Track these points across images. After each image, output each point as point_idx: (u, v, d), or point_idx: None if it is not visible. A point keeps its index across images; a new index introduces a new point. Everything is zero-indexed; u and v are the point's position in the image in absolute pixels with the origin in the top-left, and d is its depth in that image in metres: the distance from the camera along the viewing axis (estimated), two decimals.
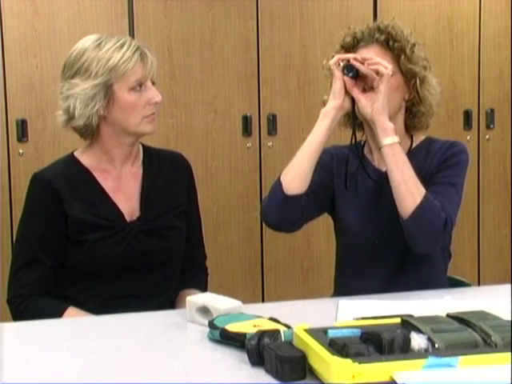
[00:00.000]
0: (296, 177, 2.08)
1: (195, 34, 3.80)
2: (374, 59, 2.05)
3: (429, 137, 2.26)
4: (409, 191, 2.00)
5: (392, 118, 2.11)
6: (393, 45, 2.12)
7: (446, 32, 4.10)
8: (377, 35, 2.14)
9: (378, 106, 2.03)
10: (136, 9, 3.71)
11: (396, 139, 2.04)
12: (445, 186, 2.11)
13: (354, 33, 2.17)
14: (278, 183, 2.09)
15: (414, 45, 2.14)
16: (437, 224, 2.01)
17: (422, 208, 1.99)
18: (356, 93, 2.07)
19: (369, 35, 2.15)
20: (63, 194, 2.08)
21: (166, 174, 2.21)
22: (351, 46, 2.17)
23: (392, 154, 2.03)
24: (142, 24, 3.73)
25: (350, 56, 2.08)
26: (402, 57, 2.12)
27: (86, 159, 2.16)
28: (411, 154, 2.16)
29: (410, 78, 2.14)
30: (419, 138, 2.25)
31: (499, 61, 4.17)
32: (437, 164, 2.16)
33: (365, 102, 2.05)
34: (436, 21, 4.08)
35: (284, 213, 2.10)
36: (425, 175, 2.12)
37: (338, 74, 2.07)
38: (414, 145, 2.23)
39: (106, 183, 2.14)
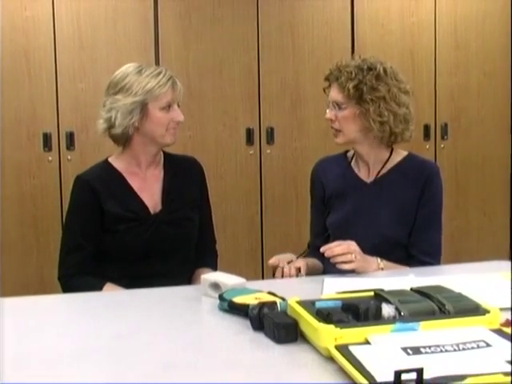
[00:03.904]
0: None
1: (208, 62, 3.79)
2: (336, 257, 1.91)
3: (410, 153, 2.17)
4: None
5: (362, 138, 2.07)
6: (346, 84, 2.03)
7: (409, 61, 4.08)
8: (337, 75, 2.07)
9: (359, 270, 1.92)
10: (161, 42, 3.71)
11: (381, 263, 1.97)
12: (431, 230, 2.09)
13: (328, 73, 2.11)
14: None
15: (365, 83, 2.02)
16: None
17: None
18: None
19: (333, 75, 2.08)
20: (100, 192, 2.08)
21: (183, 175, 2.20)
22: (328, 84, 2.12)
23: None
24: (166, 54, 3.72)
25: (294, 266, 1.95)
26: (355, 94, 2.02)
27: (118, 164, 2.15)
28: (395, 170, 2.10)
29: (364, 109, 2.03)
30: (401, 154, 2.15)
31: (451, 85, 4.16)
32: (420, 194, 2.07)
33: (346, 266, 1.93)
34: (401, 52, 4.06)
35: None
36: (411, 200, 2.07)
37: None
38: (399, 158, 2.13)
39: (134, 183, 2.13)
